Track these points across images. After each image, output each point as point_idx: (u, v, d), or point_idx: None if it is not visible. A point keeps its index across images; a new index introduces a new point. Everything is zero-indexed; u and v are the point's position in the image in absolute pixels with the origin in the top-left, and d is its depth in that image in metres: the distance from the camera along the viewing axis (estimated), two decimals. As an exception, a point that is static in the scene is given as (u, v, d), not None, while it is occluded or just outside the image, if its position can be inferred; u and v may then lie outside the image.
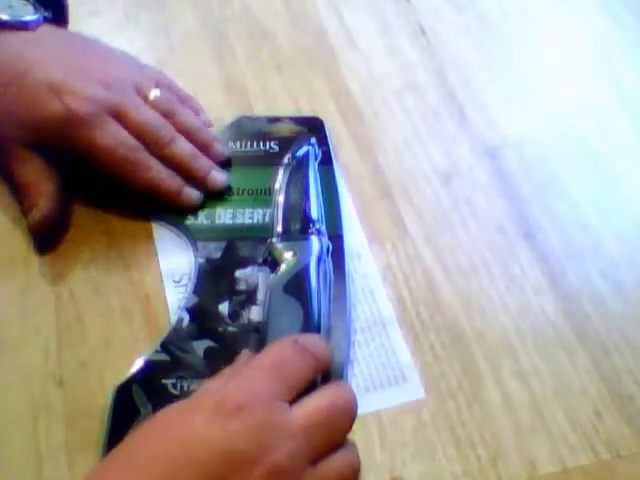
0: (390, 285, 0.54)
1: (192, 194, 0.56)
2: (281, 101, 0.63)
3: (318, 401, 0.41)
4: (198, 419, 0.39)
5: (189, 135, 0.56)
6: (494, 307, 0.54)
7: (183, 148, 0.56)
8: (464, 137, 0.62)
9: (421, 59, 0.66)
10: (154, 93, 0.56)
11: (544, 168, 0.60)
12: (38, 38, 0.55)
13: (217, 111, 0.62)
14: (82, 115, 0.52)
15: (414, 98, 0.64)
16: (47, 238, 0.55)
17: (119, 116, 0.53)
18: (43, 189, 0.54)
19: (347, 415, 0.42)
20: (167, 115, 0.56)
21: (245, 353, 0.48)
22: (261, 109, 0.62)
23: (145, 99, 0.56)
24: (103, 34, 0.63)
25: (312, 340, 0.45)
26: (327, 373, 0.45)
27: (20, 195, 0.55)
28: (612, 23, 0.69)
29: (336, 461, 0.41)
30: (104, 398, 0.49)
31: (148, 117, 0.55)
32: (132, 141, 0.53)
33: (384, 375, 0.51)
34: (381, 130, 0.62)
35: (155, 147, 0.54)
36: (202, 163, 0.56)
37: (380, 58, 0.66)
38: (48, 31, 0.56)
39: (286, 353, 0.42)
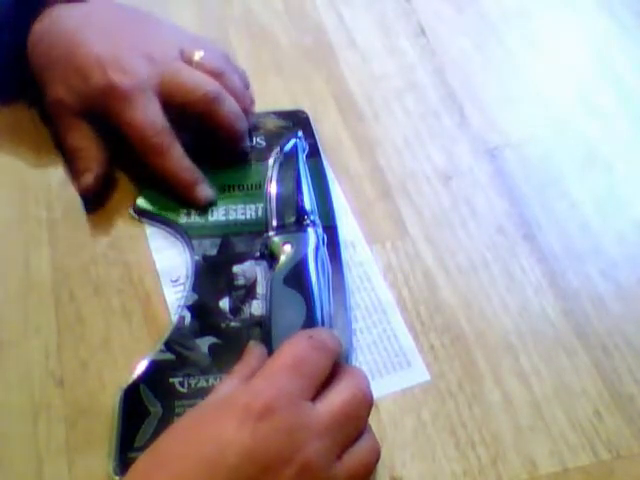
0: (390, 285, 0.54)
1: (207, 191, 0.56)
2: (281, 101, 0.63)
3: (339, 396, 0.42)
4: (228, 422, 0.39)
5: (235, 97, 0.57)
6: (494, 307, 0.54)
7: (230, 106, 0.56)
8: (464, 137, 0.62)
9: (421, 59, 0.66)
10: (199, 54, 0.57)
11: (544, 168, 0.60)
12: (90, 14, 0.58)
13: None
14: (122, 89, 0.54)
15: (414, 98, 0.64)
16: (94, 200, 0.57)
17: (162, 86, 0.55)
18: (94, 154, 0.56)
19: (366, 404, 0.43)
20: (214, 74, 0.57)
21: (253, 344, 0.48)
22: (261, 108, 0.62)
23: (190, 62, 0.57)
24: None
25: (325, 333, 0.45)
26: None
27: (72, 159, 0.57)
28: (612, 23, 0.69)
29: (360, 450, 0.42)
30: (104, 398, 0.49)
31: (190, 77, 0.56)
32: (163, 123, 0.54)
33: (388, 361, 0.51)
34: (381, 130, 0.62)
35: (197, 106, 0.55)
36: (241, 126, 0.57)
37: (380, 58, 0.66)
38: (100, 5, 0.59)
39: (305, 350, 0.43)
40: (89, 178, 0.56)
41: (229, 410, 0.40)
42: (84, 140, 0.56)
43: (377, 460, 0.43)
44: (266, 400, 0.40)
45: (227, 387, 0.44)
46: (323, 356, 0.43)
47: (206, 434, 0.40)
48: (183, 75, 0.56)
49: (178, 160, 0.55)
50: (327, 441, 0.40)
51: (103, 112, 0.55)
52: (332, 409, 0.41)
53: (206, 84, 0.55)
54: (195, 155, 0.57)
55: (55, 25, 0.57)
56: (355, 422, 0.42)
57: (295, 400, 0.40)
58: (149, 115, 0.54)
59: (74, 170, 0.57)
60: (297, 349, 0.43)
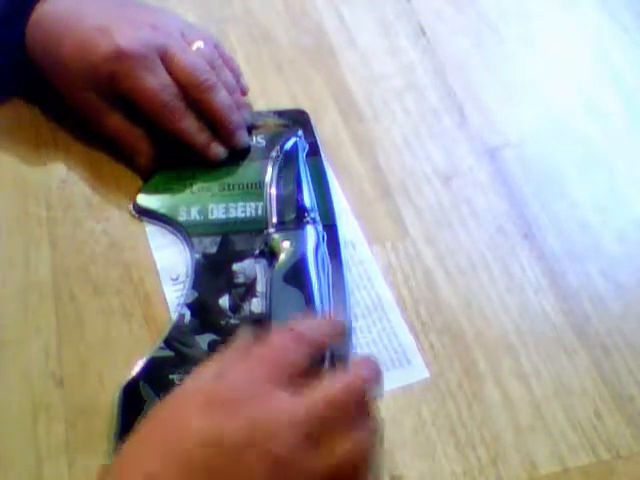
0: (390, 285, 0.54)
1: (219, 149, 0.58)
2: (281, 100, 0.63)
3: (323, 391, 0.41)
4: (190, 414, 0.38)
5: (227, 92, 0.58)
6: (494, 307, 0.54)
7: (223, 98, 0.57)
8: (464, 137, 0.62)
9: (421, 59, 0.66)
10: (198, 44, 0.58)
11: (544, 168, 0.60)
12: None
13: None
14: (130, 53, 0.54)
15: (414, 98, 0.64)
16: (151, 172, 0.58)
17: (165, 56, 0.55)
18: (136, 133, 0.57)
19: (354, 401, 0.41)
20: (210, 67, 0.57)
21: (243, 332, 0.46)
22: (261, 108, 0.62)
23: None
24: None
25: (310, 325, 0.45)
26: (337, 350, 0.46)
27: (116, 140, 0.58)
28: (612, 23, 0.69)
29: (342, 445, 0.39)
30: (104, 398, 0.49)
31: (193, 60, 0.56)
32: (174, 88, 0.55)
33: (388, 358, 0.51)
34: (381, 130, 0.62)
35: (195, 90, 0.56)
36: (236, 118, 0.58)
37: (380, 58, 0.66)
38: None
39: (283, 342, 0.42)
40: (144, 159, 0.58)
41: (190, 401, 0.39)
42: (122, 122, 0.57)
43: (363, 459, 0.40)
44: (231, 389, 0.39)
45: (198, 376, 0.42)
46: (300, 348, 0.42)
47: (172, 427, 0.39)
48: (187, 55, 0.56)
49: (193, 122, 0.56)
50: (299, 433, 0.38)
51: (113, 82, 0.54)
52: (312, 401, 0.39)
53: (206, 72, 0.56)
54: (195, 154, 0.57)
55: (50, 10, 0.56)
56: (342, 416, 0.40)
57: (264, 389, 0.39)
58: (162, 79, 0.55)
59: (124, 150, 0.58)
60: (275, 340, 0.43)
